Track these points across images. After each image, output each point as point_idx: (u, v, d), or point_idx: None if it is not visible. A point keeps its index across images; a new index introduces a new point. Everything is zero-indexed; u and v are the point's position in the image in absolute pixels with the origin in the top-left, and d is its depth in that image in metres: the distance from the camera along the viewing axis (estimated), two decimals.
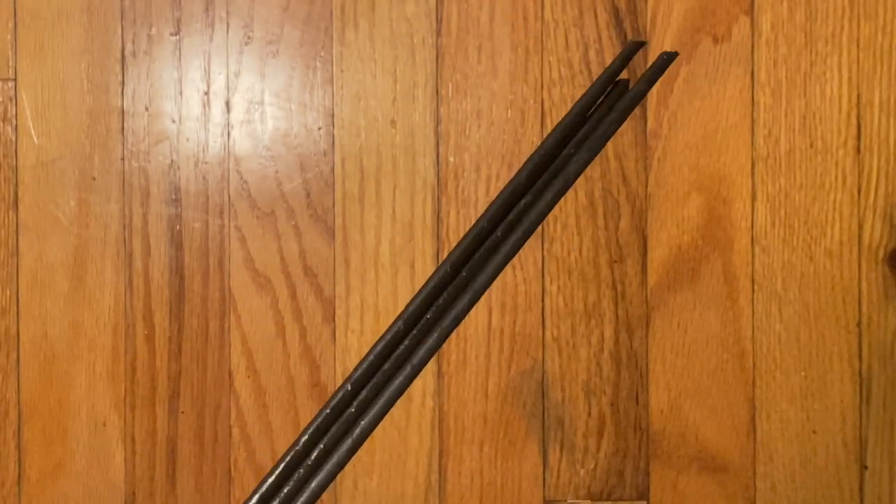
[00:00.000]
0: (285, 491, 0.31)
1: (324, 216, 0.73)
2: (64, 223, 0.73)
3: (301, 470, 0.31)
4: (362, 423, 0.31)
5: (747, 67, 0.74)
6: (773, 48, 0.74)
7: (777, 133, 0.74)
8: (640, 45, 0.32)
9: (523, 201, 0.31)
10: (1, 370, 0.72)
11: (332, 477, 0.31)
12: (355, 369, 0.31)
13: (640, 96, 0.31)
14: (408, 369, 0.31)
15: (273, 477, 0.31)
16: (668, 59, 0.32)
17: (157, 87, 0.74)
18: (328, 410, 0.31)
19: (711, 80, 0.74)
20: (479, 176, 0.73)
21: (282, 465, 0.31)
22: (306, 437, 0.31)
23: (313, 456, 0.31)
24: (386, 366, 0.31)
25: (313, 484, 0.31)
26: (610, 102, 0.31)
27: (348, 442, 0.31)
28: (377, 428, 0.77)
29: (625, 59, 0.31)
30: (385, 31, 0.74)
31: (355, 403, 0.31)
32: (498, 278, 0.74)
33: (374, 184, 0.73)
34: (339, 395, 0.31)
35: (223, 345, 0.73)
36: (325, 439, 0.31)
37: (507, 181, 0.33)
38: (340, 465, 0.31)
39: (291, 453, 0.31)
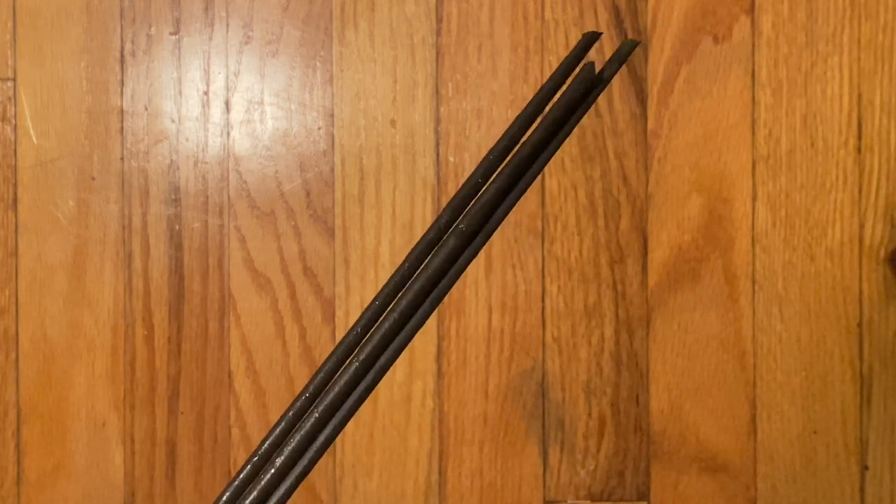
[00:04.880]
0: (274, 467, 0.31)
1: (324, 216, 0.73)
2: (63, 223, 0.73)
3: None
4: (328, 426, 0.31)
5: (748, 67, 0.74)
6: (774, 48, 0.74)
7: (778, 133, 0.74)
8: (596, 36, 0.32)
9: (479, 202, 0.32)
10: (0, 370, 0.72)
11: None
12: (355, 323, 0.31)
13: (603, 86, 0.31)
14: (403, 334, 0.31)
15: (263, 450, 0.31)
16: (630, 47, 0.32)
17: (157, 87, 0.74)
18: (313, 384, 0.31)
19: (712, 79, 0.74)
20: None
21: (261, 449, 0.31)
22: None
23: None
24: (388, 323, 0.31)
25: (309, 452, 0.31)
26: (573, 93, 0.31)
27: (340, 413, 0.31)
28: (377, 428, 0.77)
29: (582, 50, 0.31)
30: (385, 31, 0.74)
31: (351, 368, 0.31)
32: (498, 278, 0.74)
33: (374, 184, 0.73)
34: (333, 358, 0.31)
35: (223, 345, 0.73)
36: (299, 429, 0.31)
37: None
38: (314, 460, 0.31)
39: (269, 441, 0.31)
